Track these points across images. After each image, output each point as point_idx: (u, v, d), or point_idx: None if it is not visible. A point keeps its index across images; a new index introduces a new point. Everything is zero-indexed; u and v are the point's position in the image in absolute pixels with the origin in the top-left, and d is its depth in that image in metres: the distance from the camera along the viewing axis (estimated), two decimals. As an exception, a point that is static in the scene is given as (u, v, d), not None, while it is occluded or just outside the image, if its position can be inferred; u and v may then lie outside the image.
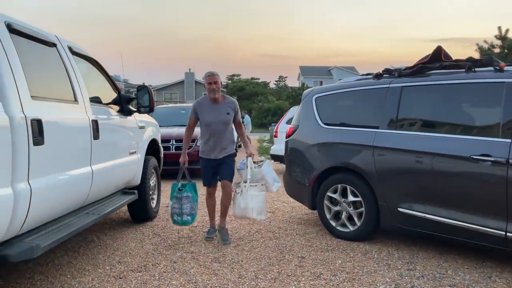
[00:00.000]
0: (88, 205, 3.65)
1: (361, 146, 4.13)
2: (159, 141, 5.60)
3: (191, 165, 8.53)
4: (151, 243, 4.23)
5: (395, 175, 3.88)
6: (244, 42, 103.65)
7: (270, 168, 4.30)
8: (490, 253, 3.70)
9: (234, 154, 4.37)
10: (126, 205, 4.55)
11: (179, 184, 4.30)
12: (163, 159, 5.78)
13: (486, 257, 3.68)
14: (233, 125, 4.35)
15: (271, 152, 9.86)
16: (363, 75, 4.60)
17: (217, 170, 4.29)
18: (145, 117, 5.16)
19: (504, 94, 3.34)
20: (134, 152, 4.58)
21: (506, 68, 3.48)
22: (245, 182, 4.16)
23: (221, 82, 4.16)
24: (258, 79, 56.22)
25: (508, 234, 3.21)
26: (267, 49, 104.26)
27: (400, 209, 3.82)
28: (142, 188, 4.79)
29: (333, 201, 4.39)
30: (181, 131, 9.07)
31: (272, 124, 26.26)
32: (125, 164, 4.29)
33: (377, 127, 4.08)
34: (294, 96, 40.19)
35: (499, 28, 15.92)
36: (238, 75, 59.67)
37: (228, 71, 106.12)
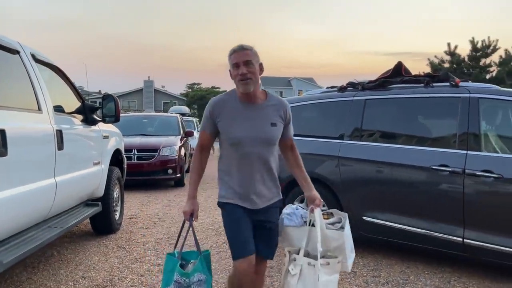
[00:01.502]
0: (51, 218, 3.52)
1: (326, 156, 4.25)
2: (123, 151, 5.48)
3: (150, 175, 8.59)
4: (115, 257, 4.11)
5: (360, 184, 4.01)
6: (205, 51, 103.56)
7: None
8: (448, 258, 3.89)
9: (281, 201, 2.43)
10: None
11: (176, 253, 2.34)
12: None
13: (445, 262, 3.87)
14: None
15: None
16: (328, 87, 4.75)
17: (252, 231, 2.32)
18: (109, 127, 5.04)
19: (459, 108, 3.57)
20: (98, 163, 4.46)
21: (461, 84, 3.72)
22: (308, 255, 2.33)
23: (260, 64, 2.26)
24: (219, 88, 56.20)
25: (465, 240, 3.41)
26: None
27: (365, 218, 3.96)
28: (105, 200, 4.66)
29: (300, 211, 4.47)
30: (143, 140, 8.95)
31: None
32: (89, 175, 4.16)
33: (342, 138, 4.21)
34: (255, 106, 40.36)
35: (449, 44, 17.03)
36: (199, 84, 59.45)
37: (188, 80, 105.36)
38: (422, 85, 3.90)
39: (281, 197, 2.44)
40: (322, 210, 2.44)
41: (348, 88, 4.42)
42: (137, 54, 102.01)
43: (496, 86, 3.73)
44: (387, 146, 3.92)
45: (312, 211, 2.35)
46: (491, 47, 16.46)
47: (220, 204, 2.38)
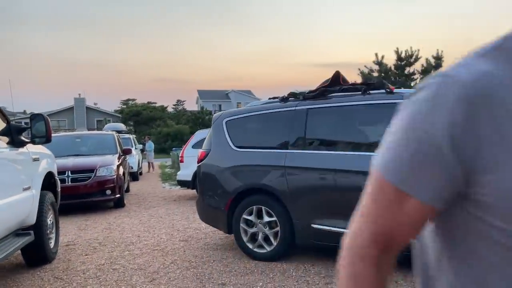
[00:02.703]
0: (-26, 253, 3.15)
1: (273, 167, 4.25)
2: (56, 174, 5.10)
3: (87, 197, 8.04)
4: (53, 289, 3.77)
5: (306, 192, 4.05)
6: (138, 66, 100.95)
7: None
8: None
9: None
10: (19, 249, 4.02)
11: None
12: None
13: (391, 263, 3.99)
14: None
15: (178, 177, 9.63)
16: (270, 98, 4.78)
17: None
18: (39, 148, 4.67)
19: (396, 114, 3.72)
20: (28, 188, 4.09)
21: (395, 90, 3.90)
22: None
23: None
24: (155, 103, 55.02)
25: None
26: (163, 73, 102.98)
27: (313, 225, 3.99)
28: (38, 228, 4.29)
29: (249, 223, 4.41)
30: (76, 161, 8.43)
31: (173, 149, 25.85)
32: (18, 202, 3.80)
33: (286, 148, 4.24)
34: (194, 120, 40.13)
35: (376, 54, 18.05)
36: (134, 100, 57.79)
37: (122, 96, 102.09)
38: (360, 93, 4.04)
39: None
40: None
41: (290, 98, 4.47)
42: (65, 70, 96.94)
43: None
44: (331, 153, 4.00)
45: None
46: (414, 57, 17.71)
47: None
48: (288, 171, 4.14)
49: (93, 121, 45.18)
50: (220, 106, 56.24)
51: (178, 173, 9.83)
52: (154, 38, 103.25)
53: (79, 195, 7.94)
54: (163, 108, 53.57)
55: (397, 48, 17.68)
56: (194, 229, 6.11)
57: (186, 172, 9.25)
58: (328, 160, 3.96)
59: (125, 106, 54.35)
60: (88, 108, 46.30)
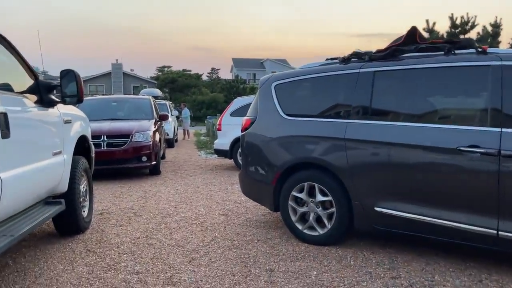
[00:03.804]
0: (-3, 224, 2.81)
1: (330, 139, 3.68)
2: (90, 138, 4.74)
3: (122, 163, 7.82)
4: (84, 264, 3.44)
5: (371, 170, 3.47)
6: (174, 33, 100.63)
7: None
8: (468, 251, 3.42)
9: None
10: (50, 218, 3.69)
11: None
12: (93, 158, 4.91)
13: (466, 256, 3.40)
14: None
15: (215, 146, 9.23)
16: (327, 59, 4.14)
17: None
18: (72, 109, 4.29)
19: (490, 78, 3.04)
20: (59, 153, 3.73)
21: (489, 50, 3.19)
22: None
23: None
24: (190, 71, 54.75)
25: (500, 232, 2.92)
26: (198, 41, 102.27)
27: (377, 209, 3.42)
28: (70, 196, 3.96)
29: (299, 202, 3.90)
30: (112, 125, 8.16)
31: (208, 117, 25.57)
32: (48, 167, 3.44)
33: (348, 118, 3.64)
34: (229, 88, 39.71)
35: (427, 21, 16.69)
36: (169, 67, 57.75)
37: (158, 63, 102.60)
38: (442, 53, 3.35)
39: None
40: None
41: (352, 59, 3.83)
42: (103, 36, 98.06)
43: (531, 52, 3.22)
44: (403, 125, 3.36)
45: None
46: (470, 24, 16.26)
47: None
48: (348, 144, 3.55)
49: (130, 87, 45.60)
50: (254, 75, 55.43)
51: (215, 141, 9.42)
52: (189, 5, 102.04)
53: (115, 161, 7.71)
54: (198, 76, 53.31)
55: (452, 14, 16.25)
56: (234, 202, 5.68)
57: (224, 141, 8.83)
58: (400, 133, 3.33)
59: (160, 73, 54.46)
60: (125, 74, 46.70)
